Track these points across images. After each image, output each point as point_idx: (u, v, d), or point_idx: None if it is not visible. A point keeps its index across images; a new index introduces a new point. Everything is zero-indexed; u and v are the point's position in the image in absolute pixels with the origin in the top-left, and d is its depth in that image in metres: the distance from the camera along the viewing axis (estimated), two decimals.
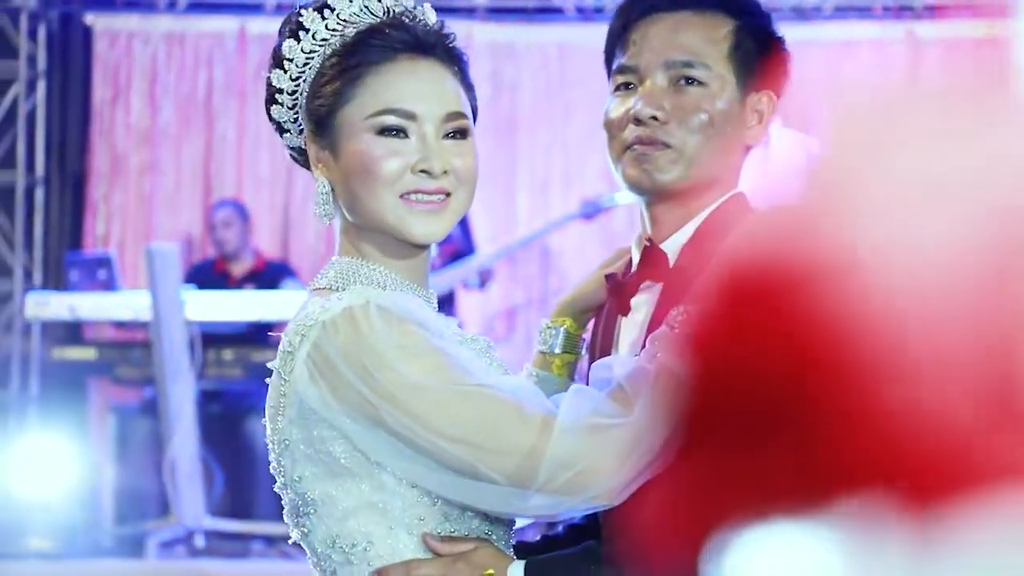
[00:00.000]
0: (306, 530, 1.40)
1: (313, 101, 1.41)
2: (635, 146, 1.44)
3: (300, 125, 1.44)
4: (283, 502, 1.43)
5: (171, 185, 6.57)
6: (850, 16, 6.41)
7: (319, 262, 6.71)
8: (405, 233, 1.38)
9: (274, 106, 1.44)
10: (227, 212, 5.77)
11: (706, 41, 1.46)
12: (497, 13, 6.62)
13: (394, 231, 1.38)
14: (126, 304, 4.78)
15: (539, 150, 6.52)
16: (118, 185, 6.59)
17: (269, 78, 1.43)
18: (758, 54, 1.47)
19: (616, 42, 1.51)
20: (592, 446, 1.29)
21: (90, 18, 6.63)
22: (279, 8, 6.65)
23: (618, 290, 1.51)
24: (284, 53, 1.42)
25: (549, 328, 1.54)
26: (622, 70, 1.48)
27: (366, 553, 1.36)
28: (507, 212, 6.45)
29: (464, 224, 5.32)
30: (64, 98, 6.67)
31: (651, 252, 1.48)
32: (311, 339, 1.33)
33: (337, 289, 1.40)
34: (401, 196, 1.37)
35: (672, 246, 1.47)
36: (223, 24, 6.59)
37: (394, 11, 1.42)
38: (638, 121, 1.44)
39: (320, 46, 1.41)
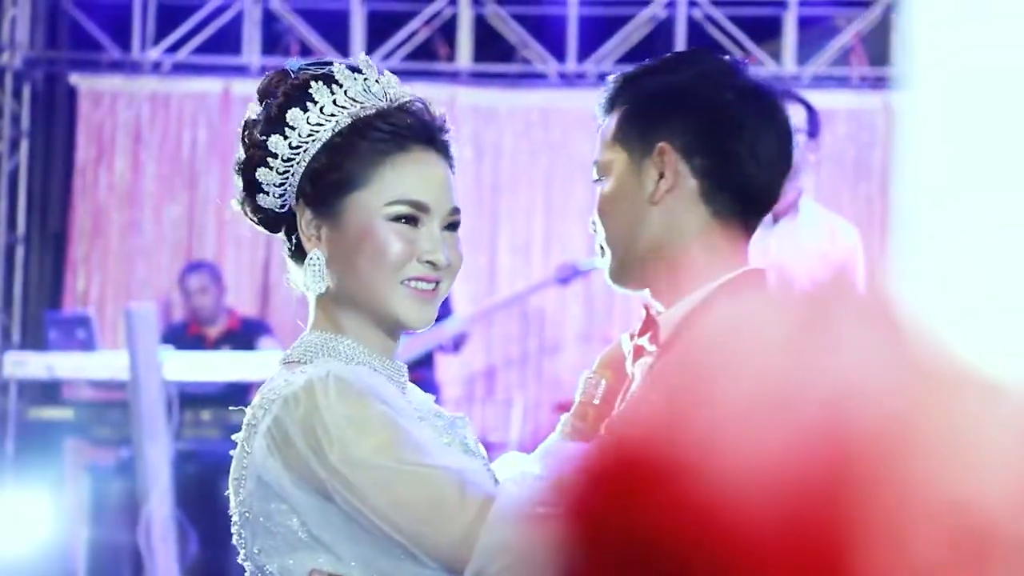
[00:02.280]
0: None
1: (320, 177, 1.43)
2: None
3: (283, 189, 1.45)
4: (246, 575, 1.44)
5: (152, 245, 6.57)
6: (828, 85, 6.50)
7: (299, 321, 6.69)
8: (401, 317, 1.42)
9: (262, 168, 1.44)
10: (202, 278, 5.66)
11: (603, 141, 1.49)
12: (480, 78, 6.69)
13: (387, 313, 1.42)
14: (104, 364, 4.76)
15: (520, 213, 6.56)
16: (99, 244, 6.59)
17: (264, 141, 1.44)
18: (649, 123, 1.46)
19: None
20: (526, 535, 1.28)
21: (75, 78, 6.67)
22: (263, 70, 6.70)
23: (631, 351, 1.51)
24: (288, 120, 1.43)
25: (591, 379, 1.53)
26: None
27: None
28: (489, 274, 6.48)
29: None
30: (47, 157, 6.69)
31: (649, 319, 1.48)
32: (273, 413, 1.36)
33: (304, 363, 1.42)
34: (402, 281, 1.42)
35: (666, 320, 1.46)
36: (207, 85, 6.64)
37: (391, 95, 1.45)
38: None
39: (327, 120, 1.43)
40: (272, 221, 1.48)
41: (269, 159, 1.44)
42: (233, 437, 1.43)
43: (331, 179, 1.42)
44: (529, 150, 6.59)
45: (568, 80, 6.61)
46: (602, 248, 1.50)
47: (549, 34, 6.64)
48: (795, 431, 0.62)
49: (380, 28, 6.63)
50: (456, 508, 1.30)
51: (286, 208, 1.46)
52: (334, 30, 6.67)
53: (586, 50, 6.59)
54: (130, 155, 6.62)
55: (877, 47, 6.68)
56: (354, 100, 1.43)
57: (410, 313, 1.42)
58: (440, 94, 6.59)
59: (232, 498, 1.42)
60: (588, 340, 6.40)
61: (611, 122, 1.49)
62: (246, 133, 1.47)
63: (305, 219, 1.44)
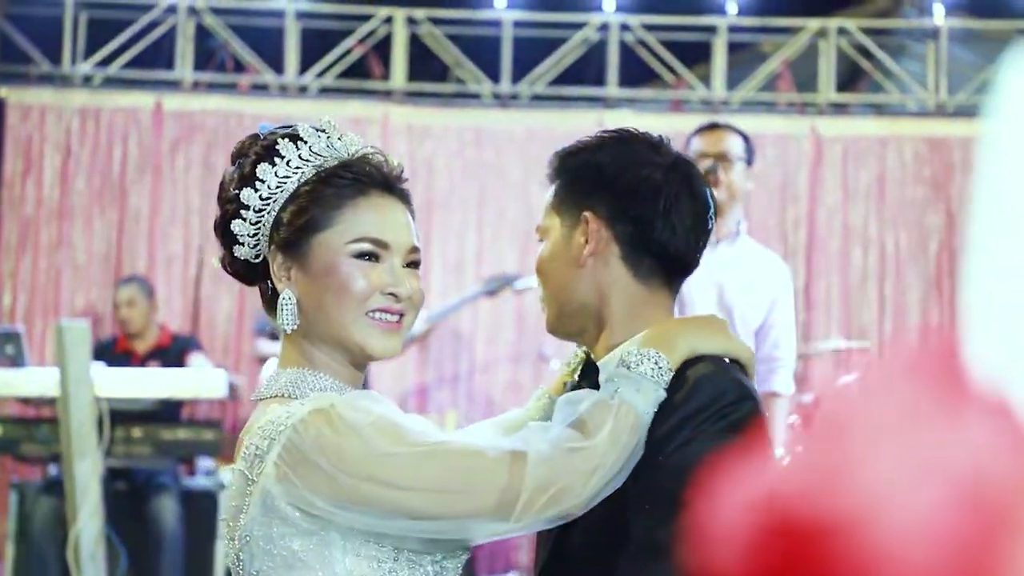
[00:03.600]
0: None
1: (288, 222, 1.57)
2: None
3: (257, 239, 1.59)
4: None
5: (81, 260, 6.51)
6: (756, 110, 6.63)
7: (229, 339, 6.67)
8: (367, 347, 1.55)
9: (237, 220, 1.58)
10: (131, 291, 5.58)
11: (545, 208, 1.69)
12: (414, 97, 6.72)
13: (354, 344, 1.55)
14: (33, 380, 4.70)
15: (453, 231, 6.59)
16: (26, 259, 6.51)
17: (237, 195, 1.58)
18: (577, 195, 1.65)
19: None
20: (561, 469, 1.44)
21: (3, 91, 6.60)
22: (196, 85, 6.68)
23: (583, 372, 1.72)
24: (257, 174, 1.57)
25: (576, 355, 1.73)
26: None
27: None
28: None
29: None
30: None
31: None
32: (281, 442, 1.46)
33: (291, 396, 1.54)
34: (366, 313, 1.55)
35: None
36: (139, 100, 6.60)
37: (351, 150, 1.60)
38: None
39: (294, 173, 1.58)
40: (248, 272, 1.62)
41: (242, 211, 1.58)
42: (231, 467, 1.54)
43: (298, 223, 1.56)
44: (462, 169, 6.63)
45: (502, 100, 6.67)
46: (543, 301, 1.68)
47: (483, 55, 6.70)
48: (936, 505, 0.65)
49: (314, 46, 6.64)
50: (486, 464, 1.43)
51: (260, 258, 1.60)
52: (268, 47, 6.67)
53: (520, 71, 6.65)
54: (59, 169, 6.55)
55: (804, 73, 6.82)
56: (318, 154, 1.58)
57: (375, 344, 1.55)
58: (373, 112, 6.61)
59: (229, 524, 1.53)
60: (520, 359, 6.44)
61: (551, 192, 1.68)
62: (221, 192, 1.61)
63: (277, 263, 1.58)
